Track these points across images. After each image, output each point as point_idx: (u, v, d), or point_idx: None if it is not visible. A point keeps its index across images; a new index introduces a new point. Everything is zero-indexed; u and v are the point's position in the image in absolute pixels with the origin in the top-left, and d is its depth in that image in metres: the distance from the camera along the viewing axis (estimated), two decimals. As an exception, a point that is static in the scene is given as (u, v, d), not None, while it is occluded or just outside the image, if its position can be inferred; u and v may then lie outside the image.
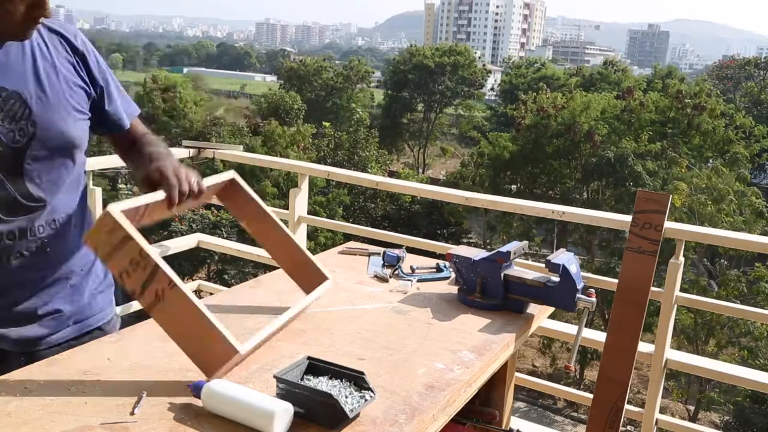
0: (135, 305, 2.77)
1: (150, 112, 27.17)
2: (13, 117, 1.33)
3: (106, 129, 1.56)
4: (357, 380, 1.15)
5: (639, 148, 18.99)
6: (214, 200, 1.66)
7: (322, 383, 1.15)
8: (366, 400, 1.13)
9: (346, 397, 1.12)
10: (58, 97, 1.40)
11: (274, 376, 1.13)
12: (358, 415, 1.11)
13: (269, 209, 1.62)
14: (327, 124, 25.51)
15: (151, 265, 1.20)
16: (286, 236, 1.61)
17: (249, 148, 19.74)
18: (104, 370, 1.24)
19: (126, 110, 1.58)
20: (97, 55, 1.53)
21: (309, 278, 1.61)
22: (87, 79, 1.48)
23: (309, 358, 1.20)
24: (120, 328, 1.54)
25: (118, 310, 2.93)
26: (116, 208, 1.23)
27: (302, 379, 1.17)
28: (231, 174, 1.56)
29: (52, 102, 1.39)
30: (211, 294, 2.86)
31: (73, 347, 1.37)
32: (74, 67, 1.46)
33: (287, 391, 1.12)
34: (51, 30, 1.45)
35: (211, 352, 1.21)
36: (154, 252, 1.23)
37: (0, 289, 1.37)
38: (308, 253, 1.63)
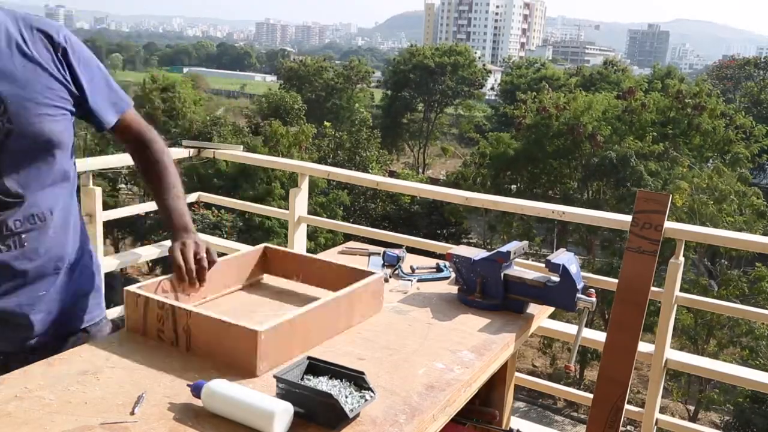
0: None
1: (149, 112, 27.17)
2: None
3: (93, 125, 1.56)
4: (357, 380, 1.15)
5: (643, 148, 18.99)
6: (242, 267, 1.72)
7: (322, 383, 1.15)
8: (366, 400, 1.13)
9: (346, 397, 1.12)
10: (34, 95, 1.39)
11: (274, 376, 1.13)
12: (358, 415, 1.11)
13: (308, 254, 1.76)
14: (328, 124, 25.52)
15: (169, 309, 1.34)
16: (330, 264, 1.69)
17: (250, 148, 19.74)
18: (104, 370, 1.24)
19: (115, 104, 1.57)
20: (82, 49, 1.51)
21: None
22: (68, 76, 1.46)
23: (309, 358, 1.20)
24: (113, 331, 1.53)
25: (119, 310, 2.95)
26: (133, 287, 1.38)
27: (302, 379, 1.17)
28: (262, 246, 1.73)
29: (29, 99, 1.38)
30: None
31: (57, 349, 1.37)
32: (54, 64, 1.44)
33: (287, 391, 1.12)
34: (32, 27, 1.43)
35: (240, 348, 1.26)
36: (168, 297, 1.39)
37: None
38: (353, 265, 1.67)
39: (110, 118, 1.57)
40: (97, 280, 1.59)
